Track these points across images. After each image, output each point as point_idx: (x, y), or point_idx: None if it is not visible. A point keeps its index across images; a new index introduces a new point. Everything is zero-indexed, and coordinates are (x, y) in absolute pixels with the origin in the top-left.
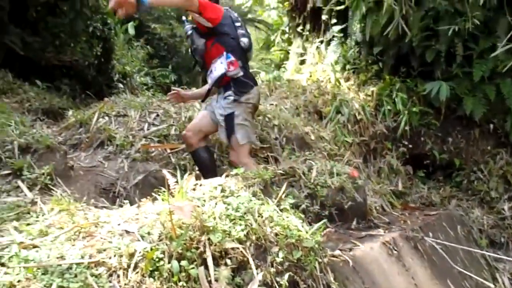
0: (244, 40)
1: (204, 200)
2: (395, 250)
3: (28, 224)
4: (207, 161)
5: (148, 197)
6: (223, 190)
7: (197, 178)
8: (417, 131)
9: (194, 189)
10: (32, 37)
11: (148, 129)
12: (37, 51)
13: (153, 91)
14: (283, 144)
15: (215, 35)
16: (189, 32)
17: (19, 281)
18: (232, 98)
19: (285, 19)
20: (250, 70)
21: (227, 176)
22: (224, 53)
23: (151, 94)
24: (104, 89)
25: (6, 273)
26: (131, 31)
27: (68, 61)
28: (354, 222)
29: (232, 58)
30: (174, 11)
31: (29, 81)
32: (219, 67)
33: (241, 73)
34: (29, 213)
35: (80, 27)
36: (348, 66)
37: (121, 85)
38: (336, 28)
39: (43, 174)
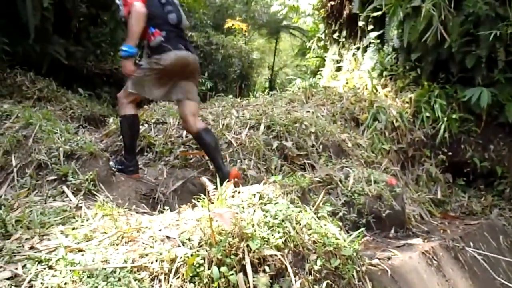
0: (171, 16)
1: (243, 207)
2: (435, 260)
3: (73, 229)
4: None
5: (188, 203)
6: (261, 197)
7: (236, 185)
8: (457, 138)
9: (233, 196)
10: (75, 46)
11: (186, 136)
12: (79, 60)
13: None
14: (320, 151)
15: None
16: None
17: (66, 283)
18: (145, 62)
19: (321, 26)
20: (288, 76)
21: (265, 183)
22: (150, 27)
23: None
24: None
25: (53, 276)
26: None
27: (108, 70)
28: (392, 231)
29: (154, 30)
30: (211, 20)
31: (71, 89)
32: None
33: (162, 39)
34: (74, 217)
35: (120, 36)
36: (385, 73)
37: None
38: (373, 34)
39: (87, 180)
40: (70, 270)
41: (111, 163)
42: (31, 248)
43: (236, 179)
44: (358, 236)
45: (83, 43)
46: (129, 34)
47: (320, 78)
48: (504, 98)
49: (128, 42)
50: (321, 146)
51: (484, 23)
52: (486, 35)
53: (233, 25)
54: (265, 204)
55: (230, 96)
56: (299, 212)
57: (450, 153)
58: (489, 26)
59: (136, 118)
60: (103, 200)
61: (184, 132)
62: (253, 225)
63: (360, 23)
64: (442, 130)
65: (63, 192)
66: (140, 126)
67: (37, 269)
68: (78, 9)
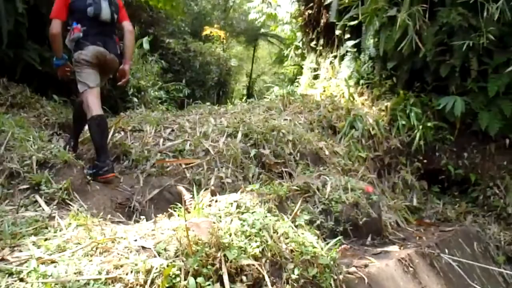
0: (89, 10)
1: (220, 216)
2: (411, 267)
3: (46, 239)
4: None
5: (164, 212)
6: (238, 207)
7: (213, 194)
8: (432, 146)
9: (209, 205)
10: (49, 52)
11: (163, 144)
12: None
13: (167, 105)
14: (297, 159)
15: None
16: None
17: None
18: (74, 58)
19: (299, 34)
20: (268, 84)
21: (242, 192)
22: (73, 23)
23: (165, 108)
24: (119, 103)
25: None
26: (146, 46)
27: None
28: (369, 238)
29: (75, 26)
30: (188, 27)
31: (46, 95)
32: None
33: (80, 35)
34: (47, 228)
35: None
36: (362, 81)
37: (135, 99)
38: (350, 43)
39: (61, 189)
40: (42, 283)
41: (86, 171)
42: (1, 260)
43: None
44: (336, 244)
45: None
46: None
47: (297, 86)
48: (477, 106)
49: (55, 55)
50: (298, 154)
51: (458, 34)
52: (460, 45)
53: (211, 32)
54: (243, 213)
55: (208, 103)
56: (276, 221)
57: (425, 161)
58: (462, 36)
59: (102, 117)
60: (77, 209)
61: (161, 140)
62: (230, 235)
63: (337, 32)
64: (417, 138)
65: (36, 201)
66: (116, 134)
67: (8, 281)
68: None
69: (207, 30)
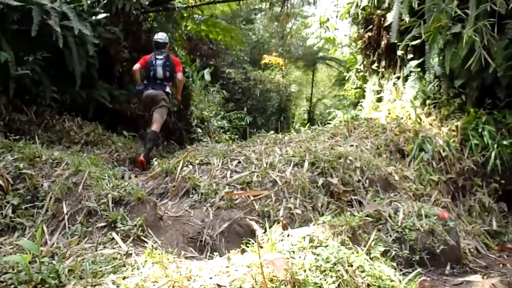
0: (151, 73)
1: (293, 252)
2: None
3: (124, 278)
4: None
5: (235, 246)
6: (311, 240)
7: (284, 227)
8: (510, 165)
9: (282, 240)
10: (118, 90)
11: (230, 176)
12: (123, 103)
13: (230, 134)
14: (366, 186)
15: None
16: None
17: None
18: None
19: (359, 57)
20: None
21: (314, 224)
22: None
23: (228, 137)
24: (184, 135)
25: None
26: (207, 77)
27: None
28: (448, 267)
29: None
30: (247, 56)
31: (116, 131)
32: None
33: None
34: (124, 265)
35: None
36: (428, 101)
37: (199, 130)
38: (413, 63)
39: (135, 225)
40: None
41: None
42: None
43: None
44: (415, 276)
45: (126, 87)
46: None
47: (361, 110)
48: None
49: (136, 84)
50: (367, 181)
51: None
52: None
53: (269, 60)
54: (316, 247)
55: (272, 132)
56: (351, 253)
57: (503, 181)
58: None
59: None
60: (152, 245)
61: (229, 172)
62: (304, 270)
63: (399, 52)
64: (492, 157)
65: (113, 238)
66: (185, 168)
67: None
68: (120, 54)
69: (266, 59)
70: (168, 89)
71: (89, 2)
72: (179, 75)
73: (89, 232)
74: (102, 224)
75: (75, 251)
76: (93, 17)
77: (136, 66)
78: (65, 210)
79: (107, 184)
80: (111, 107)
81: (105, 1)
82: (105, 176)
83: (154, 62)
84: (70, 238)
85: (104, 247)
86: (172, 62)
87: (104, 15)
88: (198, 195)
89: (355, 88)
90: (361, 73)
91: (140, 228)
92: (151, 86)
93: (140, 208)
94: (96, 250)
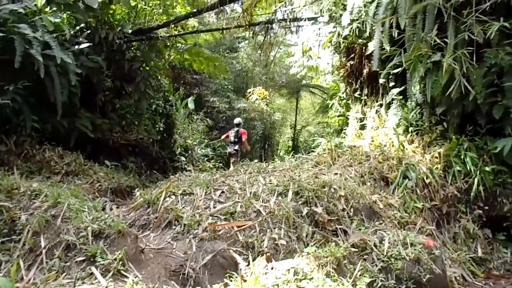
0: (229, 139)
1: (278, 285)
2: None
3: None
4: None
5: (219, 280)
6: (296, 273)
7: (268, 260)
8: (493, 191)
9: (266, 273)
10: (101, 119)
11: (214, 207)
12: (105, 132)
13: (214, 162)
14: (351, 215)
15: None
16: None
17: None
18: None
19: (342, 85)
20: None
21: (298, 256)
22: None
23: (212, 165)
24: (167, 163)
25: None
26: (191, 105)
27: (133, 140)
28: None
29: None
30: (231, 84)
31: (98, 161)
32: None
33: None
34: None
35: (144, 106)
36: (411, 128)
37: (183, 158)
38: (395, 90)
39: (116, 259)
40: None
41: None
42: None
43: None
44: None
45: (109, 115)
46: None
47: (344, 137)
48: None
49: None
50: (352, 210)
51: (508, 73)
52: None
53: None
54: (301, 280)
55: (256, 160)
56: (336, 286)
57: (486, 207)
58: None
59: None
60: (133, 280)
61: (212, 203)
62: None
63: (381, 80)
64: (475, 183)
65: (92, 273)
66: (168, 198)
67: None
68: (103, 83)
69: (251, 94)
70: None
71: (71, 31)
72: (243, 138)
73: (67, 267)
74: (81, 258)
75: (53, 287)
76: (76, 46)
77: (223, 137)
78: (42, 244)
79: (86, 217)
80: (93, 137)
81: (88, 31)
82: (85, 208)
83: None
84: (47, 273)
85: (83, 283)
86: (240, 134)
87: (87, 44)
88: (180, 227)
89: (338, 116)
90: (344, 101)
91: (120, 262)
92: (230, 144)
93: (120, 241)
94: (75, 286)
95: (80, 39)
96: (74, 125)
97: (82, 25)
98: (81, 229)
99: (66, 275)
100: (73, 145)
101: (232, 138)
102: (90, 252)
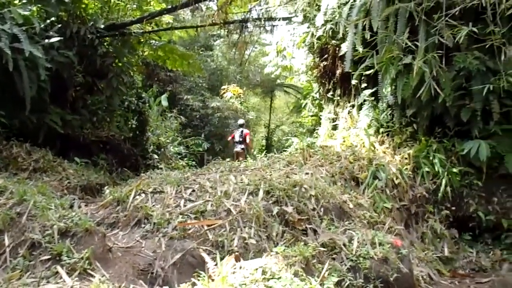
0: (235, 139)
1: (245, 284)
2: None
3: None
4: None
5: (187, 279)
6: (264, 272)
7: (237, 259)
8: (459, 192)
9: (234, 272)
10: (71, 115)
11: (184, 206)
12: (75, 128)
13: (187, 160)
14: (321, 214)
15: None
16: None
17: None
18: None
19: (315, 85)
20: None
21: (267, 256)
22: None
23: (185, 163)
24: (139, 160)
25: None
26: (164, 103)
27: (104, 136)
28: None
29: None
30: (206, 82)
31: (68, 157)
32: None
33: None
34: None
35: (116, 103)
36: (381, 129)
37: (155, 156)
38: (367, 92)
39: (82, 258)
40: None
41: None
42: None
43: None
44: None
45: (80, 111)
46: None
47: (317, 137)
48: (503, 149)
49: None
50: (322, 209)
51: (476, 77)
52: (479, 88)
53: (230, 91)
54: (268, 280)
55: (228, 159)
56: (304, 285)
57: (453, 208)
58: (481, 79)
59: None
60: (99, 279)
61: (182, 201)
62: None
63: (353, 82)
64: (443, 184)
65: (57, 272)
66: (137, 197)
67: None
68: (74, 78)
69: (225, 91)
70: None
71: (42, 25)
72: (247, 138)
73: (32, 265)
74: (46, 257)
75: (16, 286)
76: (46, 40)
77: (230, 139)
78: (6, 242)
79: (53, 214)
80: (63, 133)
81: (59, 25)
82: (52, 206)
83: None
84: (11, 272)
85: (48, 282)
86: (244, 135)
87: (57, 38)
88: (150, 225)
89: (312, 116)
90: (317, 101)
91: (87, 261)
92: (236, 143)
93: (87, 240)
94: (39, 286)
95: (51, 33)
96: (43, 121)
97: (53, 18)
98: (47, 227)
99: (30, 274)
100: (42, 141)
101: (237, 138)
102: (55, 251)
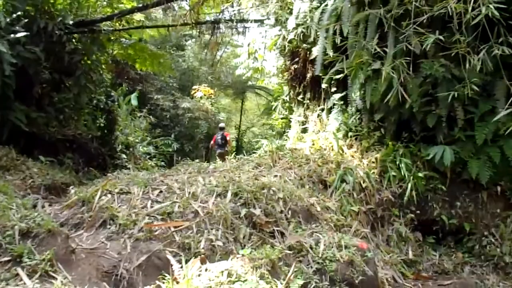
0: (216, 142)
1: (210, 287)
2: None
3: None
4: None
5: (153, 281)
6: (229, 275)
7: (203, 261)
8: (424, 196)
9: (199, 275)
10: (37, 112)
11: (151, 207)
12: (41, 126)
13: (156, 160)
14: (289, 217)
15: None
16: None
17: None
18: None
19: (285, 88)
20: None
21: (233, 258)
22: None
23: (154, 163)
24: (107, 160)
25: None
26: (134, 102)
27: (71, 135)
28: None
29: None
30: (177, 82)
31: (32, 156)
32: None
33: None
34: None
35: (84, 101)
36: (350, 133)
37: (124, 156)
38: (337, 96)
39: (44, 260)
40: None
41: None
42: None
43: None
44: None
45: (45, 109)
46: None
47: (286, 140)
48: (466, 155)
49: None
50: (290, 212)
51: (442, 84)
52: (445, 95)
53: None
54: (234, 282)
55: (197, 160)
56: None
57: (418, 212)
58: (446, 86)
59: None
60: (61, 281)
61: (149, 202)
62: None
63: (323, 85)
64: (409, 189)
65: (17, 274)
66: (103, 197)
67: None
68: (40, 75)
69: (196, 92)
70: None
71: (8, 19)
72: (227, 137)
73: None
74: (6, 258)
75: None
76: (12, 35)
77: (211, 143)
78: None
79: (14, 215)
80: (28, 130)
81: (26, 20)
82: (14, 206)
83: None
84: None
85: (7, 284)
86: (225, 136)
87: (24, 33)
88: (116, 226)
89: (282, 118)
90: (288, 104)
91: (48, 263)
92: (218, 147)
93: (50, 241)
94: None
95: (17, 27)
96: (7, 118)
97: (20, 13)
98: (7, 227)
99: None
100: (5, 139)
101: (219, 141)
102: (16, 252)
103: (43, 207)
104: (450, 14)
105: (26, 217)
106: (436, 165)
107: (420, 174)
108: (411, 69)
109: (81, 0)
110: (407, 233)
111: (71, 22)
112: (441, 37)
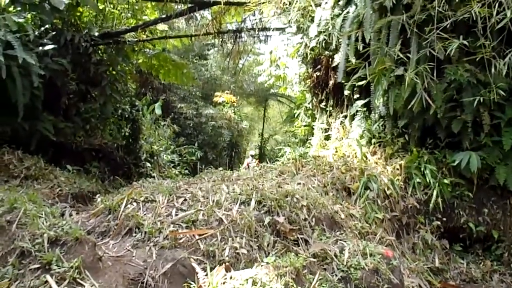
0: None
1: None
2: None
3: None
4: None
5: None
6: (254, 283)
7: (227, 269)
8: (450, 203)
9: (224, 282)
10: (64, 122)
11: (176, 215)
12: (68, 136)
13: (180, 168)
14: (312, 224)
15: None
16: None
17: None
18: None
19: (308, 96)
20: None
21: (257, 266)
22: None
23: (178, 171)
24: (132, 169)
25: None
26: (158, 111)
27: (97, 144)
28: None
29: None
30: (199, 91)
31: (60, 165)
32: None
33: None
34: None
35: (109, 110)
36: (373, 140)
37: (148, 164)
38: (360, 102)
39: (72, 267)
40: None
41: None
42: None
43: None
44: None
45: (72, 119)
46: None
47: (309, 147)
48: (493, 161)
49: None
50: (313, 219)
51: (467, 89)
52: (470, 100)
53: (222, 99)
54: None
55: (220, 168)
56: None
57: (444, 219)
58: (471, 92)
59: None
60: None
61: (174, 210)
62: None
63: (346, 92)
64: (434, 195)
65: (46, 281)
66: (129, 205)
67: None
68: (68, 86)
69: (218, 98)
70: None
71: (36, 32)
72: None
73: (21, 274)
74: (36, 266)
75: None
76: (40, 48)
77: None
78: None
79: (43, 223)
80: (55, 140)
81: (53, 32)
82: (42, 214)
83: None
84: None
85: None
86: None
87: (51, 46)
88: (141, 234)
89: (304, 126)
90: (310, 111)
91: (76, 270)
92: None
93: (77, 249)
94: None
95: (45, 40)
96: (35, 128)
97: (48, 26)
98: (36, 235)
99: (19, 283)
100: (34, 149)
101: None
102: (45, 260)
103: (70, 215)
104: (474, 18)
105: (55, 225)
106: (462, 172)
107: (445, 181)
108: (435, 74)
109: (106, 12)
110: (433, 240)
111: (96, 34)
112: (465, 42)
